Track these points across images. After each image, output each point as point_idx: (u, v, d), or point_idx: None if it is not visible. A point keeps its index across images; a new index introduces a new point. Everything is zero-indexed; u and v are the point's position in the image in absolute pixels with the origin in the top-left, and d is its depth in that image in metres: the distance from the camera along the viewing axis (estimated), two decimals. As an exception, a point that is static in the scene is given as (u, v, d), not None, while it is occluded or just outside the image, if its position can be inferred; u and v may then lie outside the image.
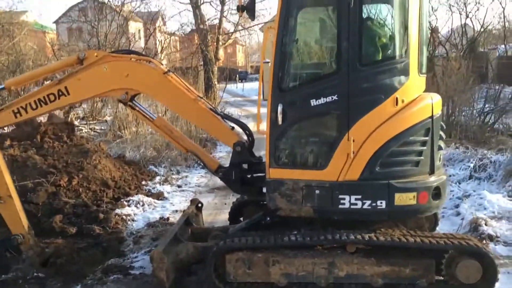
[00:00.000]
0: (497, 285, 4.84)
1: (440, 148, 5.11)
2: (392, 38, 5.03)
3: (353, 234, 4.84)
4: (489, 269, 4.73)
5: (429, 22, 20.82)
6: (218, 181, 6.54)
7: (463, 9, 21.93)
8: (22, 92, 12.74)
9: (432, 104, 4.90)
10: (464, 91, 14.30)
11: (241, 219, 6.51)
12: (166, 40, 26.09)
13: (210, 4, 24.54)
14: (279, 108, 4.85)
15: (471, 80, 14.69)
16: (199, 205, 6.86)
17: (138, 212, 8.20)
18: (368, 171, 4.77)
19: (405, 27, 4.81)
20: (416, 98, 4.87)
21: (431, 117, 4.87)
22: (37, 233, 6.16)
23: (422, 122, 4.83)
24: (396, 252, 4.89)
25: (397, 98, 4.73)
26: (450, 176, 9.30)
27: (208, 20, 24.68)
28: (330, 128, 4.98)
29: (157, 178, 10.58)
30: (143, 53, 21.83)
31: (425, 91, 5.14)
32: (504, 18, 20.94)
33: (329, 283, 4.91)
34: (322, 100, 4.79)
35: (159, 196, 9.29)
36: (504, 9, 20.94)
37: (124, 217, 7.81)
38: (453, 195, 8.34)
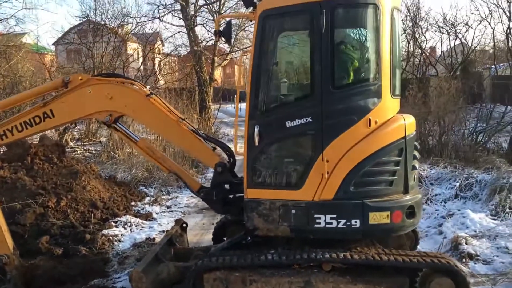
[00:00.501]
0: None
1: (414, 167, 5.21)
2: (364, 61, 5.18)
3: (328, 253, 4.92)
4: (462, 286, 4.79)
5: (419, 43, 21.14)
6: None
7: (452, 30, 22.16)
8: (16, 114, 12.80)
9: (405, 125, 5.02)
10: (454, 111, 14.41)
11: (225, 239, 6.57)
12: (162, 61, 26.31)
13: (204, 26, 24.73)
14: (256, 130, 4.97)
15: (461, 100, 14.81)
16: (184, 225, 6.92)
17: (125, 233, 8.25)
18: (342, 190, 4.86)
19: (377, 51, 4.94)
20: (389, 119, 4.98)
21: (404, 137, 4.98)
22: (23, 254, 6.20)
23: (395, 142, 4.94)
24: (371, 270, 4.96)
25: (370, 120, 4.85)
26: (435, 195, 9.39)
27: (203, 41, 24.87)
28: (305, 149, 5.09)
29: (147, 199, 10.63)
30: (139, 74, 21.97)
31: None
32: (493, 38, 21.15)
33: (305, 301, 4.95)
34: (297, 122, 4.92)
35: (148, 216, 9.33)
36: (493, 30, 21.02)
37: (110, 237, 7.85)
38: (437, 214, 8.41)
